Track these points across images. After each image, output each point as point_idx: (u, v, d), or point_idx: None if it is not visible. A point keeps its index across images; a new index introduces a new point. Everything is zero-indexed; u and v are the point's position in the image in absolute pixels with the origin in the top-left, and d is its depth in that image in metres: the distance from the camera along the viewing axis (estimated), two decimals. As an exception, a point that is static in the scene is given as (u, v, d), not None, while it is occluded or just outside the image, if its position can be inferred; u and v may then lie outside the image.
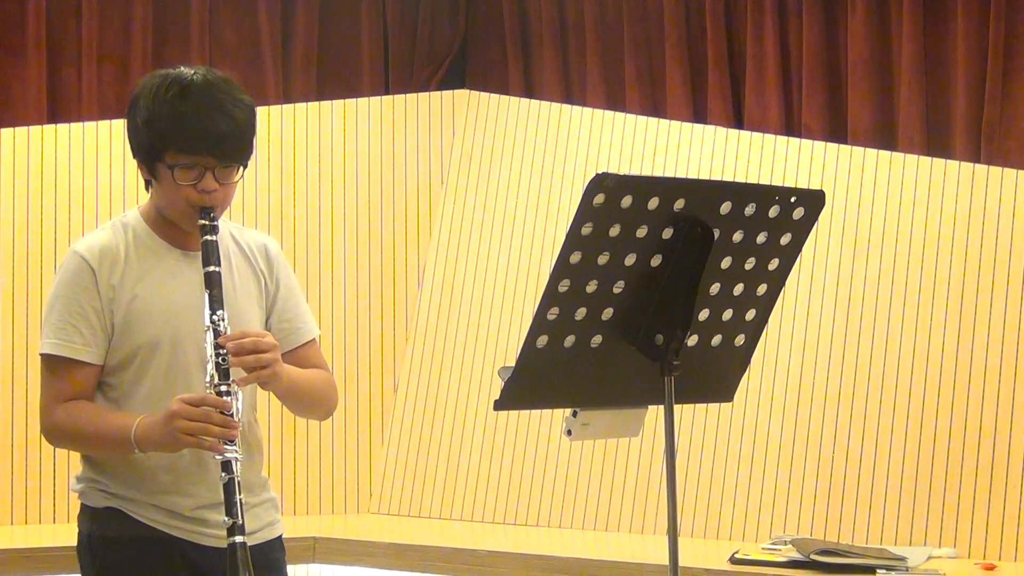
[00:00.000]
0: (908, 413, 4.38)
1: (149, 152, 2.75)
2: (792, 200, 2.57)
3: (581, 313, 2.46)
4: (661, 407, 2.56)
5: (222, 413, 2.64)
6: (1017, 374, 4.24)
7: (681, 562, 2.58)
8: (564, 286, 2.43)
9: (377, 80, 5.83)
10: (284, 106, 5.30)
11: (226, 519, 2.61)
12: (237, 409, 2.67)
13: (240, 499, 2.62)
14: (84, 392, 2.79)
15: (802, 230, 2.61)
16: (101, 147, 5.04)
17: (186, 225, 2.80)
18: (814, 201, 2.61)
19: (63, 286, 2.78)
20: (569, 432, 2.63)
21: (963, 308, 4.35)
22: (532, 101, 5.38)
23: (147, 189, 2.85)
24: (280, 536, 2.96)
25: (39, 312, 4.86)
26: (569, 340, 2.47)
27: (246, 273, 2.90)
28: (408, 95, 5.48)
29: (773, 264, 2.61)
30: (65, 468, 4.86)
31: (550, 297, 2.43)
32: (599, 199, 2.36)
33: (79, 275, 2.77)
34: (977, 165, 4.48)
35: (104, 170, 5.03)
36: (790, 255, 2.62)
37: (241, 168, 2.80)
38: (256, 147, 5.30)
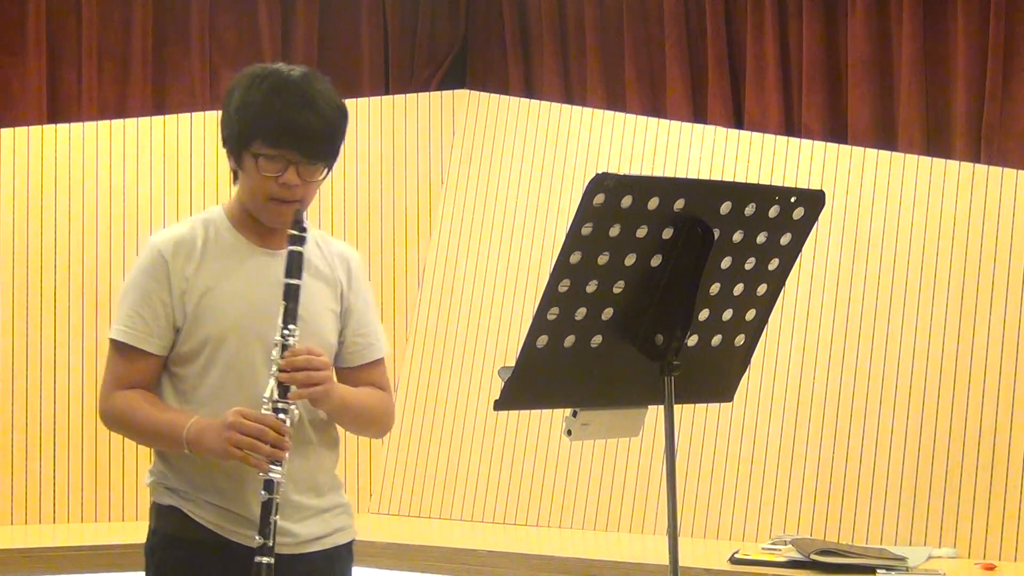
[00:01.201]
0: (908, 413, 4.38)
1: (237, 140, 2.76)
2: (792, 200, 2.57)
3: (581, 313, 2.46)
4: (661, 407, 2.56)
5: (277, 433, 2.64)
6: (1017, 374, 4.24)
7: (681, 562, 2.58)
8: (564, 286, 2.43)
9: (377, 80, 5.83)
10: (284, 106, 5.29)
11: (257, 537, 2.62)
12: (291, 425, 2.68)
13: (275, 520, 2.62)
14: (144, 382, 2.79)
15: (802, 230, 2.60)
16: (101, 147, 5.04)
17: (264, 218, 2.80)
18: (814, 201, 2.60)
19: (137, 275, 2.80)
20: (569, 432, 2.63)
21: (963, 308, 4.35)
22: (532, 101, 5.38)
23: (234, 181, 2.86)
24: (350, 542, 2.94)
25: (39, 311, 4.88)
26: (569, 340, 2.47)
27: (325, 281, 2.88)
28: (408, 95, 5.48)
29: (773, 264, 2.61)
30: (62, 467, 4.87)
31: (550, 297, 2.43)
32: (599, 199, 2.36)
33: (152, 266, 2.78)
34: (977, 165, 4.48)
35: (104, 170, 5.03)
36: (790, 255, 2.62)
37: (326, 168, 2.79)
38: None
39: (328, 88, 2.81)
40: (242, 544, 2.74)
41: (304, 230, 2.74)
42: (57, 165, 4.99)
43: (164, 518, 2.82)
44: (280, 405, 2.66)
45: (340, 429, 2.94)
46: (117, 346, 2.80)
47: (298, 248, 2.72)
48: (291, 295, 2.70)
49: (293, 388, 2.69)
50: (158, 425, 2.75)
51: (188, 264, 2.78)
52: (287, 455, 2.65)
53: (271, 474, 2.63)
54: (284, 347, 2.68)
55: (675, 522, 2.55)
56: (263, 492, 2.63)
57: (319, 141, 2.74)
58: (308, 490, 2.78)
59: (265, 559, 2.60)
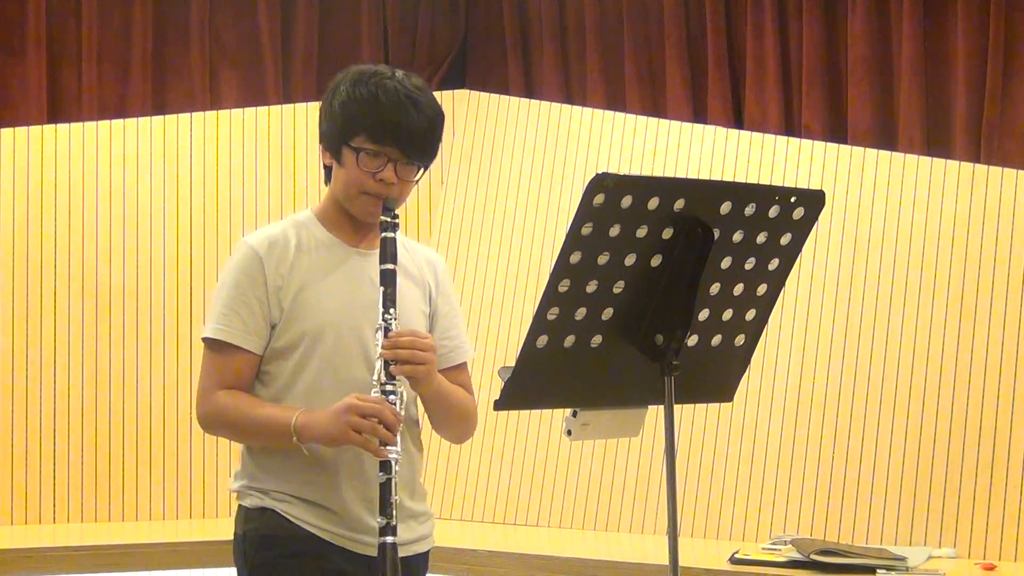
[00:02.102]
0: (908, 413, 4.38)
1: (339, 133, 2.78)
2: (792, 200, 2.57)
3: (581, 313, 2.46)
4: (661, 407, 2.56)
5: (392, 415, 2.64)
6: (1017, 374, 4.24)
7: (681, 562, 2.57)
8: (564, 286, 2.42)
9: (377, 80, 5.82)
10: (284, 106, 5.30)
11: (380, 519, 2.61)
12: (402, 409, 2.68)
13: (395, 500, 2.62)
14: (242, 381, 2.77)
15: (802, 230, 2.60)
16: (101, 147, 5.04)
17: (356, 211, 2.81)
18: (814, 201, 2.60)
19: (230, 274, 2.79)
20: (569, 432, 2.63)
21: (963, 308, 4.35)
22: (532, 101, 5.38)
23: (326, 180, 2.86)
24: (428, 551, 2.94)
25: (39, 311, 4.88)
26: (569, 340, 2.47)
27: (415, 283, 2.89)
28: (408, 95, 5.47)
29: (773, 264, 2.61)
30: (62, 467, 4.86)
31: (550, 297, 2.42)
32: (599, 199, 2.36)
33: (246, 264, 2.78)
34: (977, 165, 4.48)
35: (104, 170, 5.03)
36: (790, 255, 2.62)
37: (421, 169, 2.81)
38: (256, 147, 5.35)
39: (428, 90, 2.84)
40: (335, 544, 2.75)
41: (396, 216, 2.76)
42: (57, 165, 4.99)
43: (254, 520, 2.79)
44: (388, 387, 2.66)
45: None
46: (213, 345, 2.78)
47: (390, 234, 2.74)
48: (388, 280, 2.71)
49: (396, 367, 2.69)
50: (264, 417, 2.73)
51: (283, 261, 2.78)
52: (399, 436, 2.65)
53: (389, 456, 2.62)
54: (387, 330, 2.68)
55: (675, 522, 2.55)
56: (381, 473, 2.62)
57: (421, 141, 2.77)
58: (402, 488, 2.75)
59: (389, 539, 2.59)
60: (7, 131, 5.00)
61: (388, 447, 2.63)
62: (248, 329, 2.76)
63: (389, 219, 2.75)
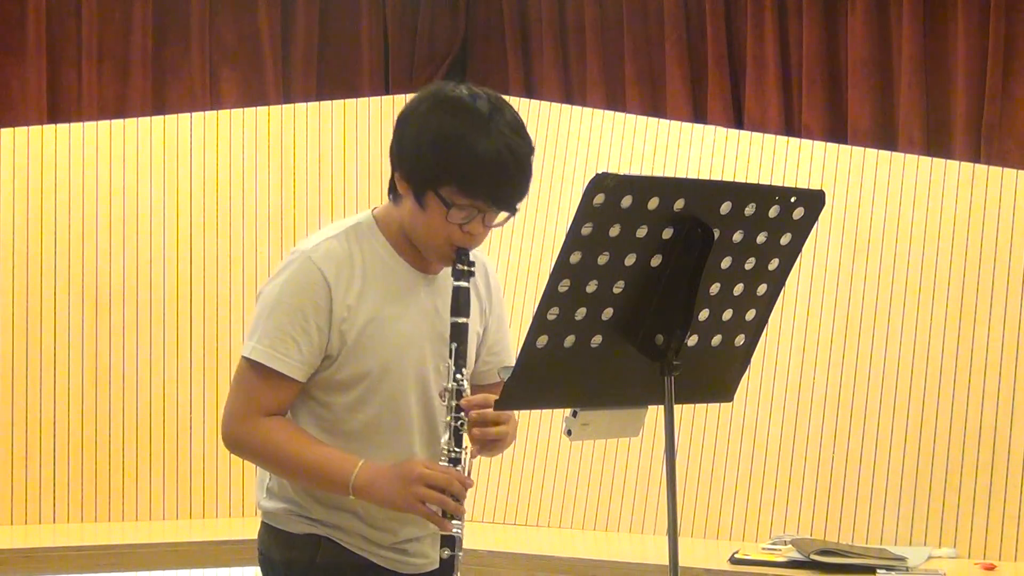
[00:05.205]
0: (908, 413, 4.38)
1: (427, 178, 2.57)
2: (792, 200, 2.56)
3: (581, 313, 2.45)
4: (661, 407, 2.56)
5: (462, 486, 2.53)
6: (1017, 374, 4.24)
7: (681, 562, 2.57)
8: (564, 286, 2.42)
9: (377, 80, 5.83)
10: (284, 106, 5.30)
11: None
12: (469, 475, 2.59)
13: None
14: (283, 409, 2.61)
15: (802, 230, 2.60)
16: (101, 147, 5.04)
17: (434, 257, 2.64)
18: (814, 201, 2.60)
19: (291, 293, 2.58)
20: (569, 432, 2.63)
21: (963, 308, 4.35)
22: (532, 101, 5.37)
23: (390, 192, 2.69)
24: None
25: (39, 311, 4.87)
26: (569, 340, 2.47)
27: (474, 302, 2.72)
28: (408, 95, 5.46)
29: (773, 264, 2.60)
30: (62, 467, 4.86)
31: (550, 297, 2.42)
32: (599, 199, 2.36)
33: (313, 287, 2.57)
34: (977, 165, 4.48)
35: (104, 170, 5.03)
36: (790, 255, 2.62)
37: (509, 215, 2.61)
38: (256, 147, 5.34)
39: (523, 126, 2.60)
40: (385, 567, 2.68)
41: (472, 264, 2.58)
42: (57, 165, 4.99)
43: (303, 548, 2.66)
44: (454, 455, 2.55)
45: None
46: (260, 369, 2.57)
47: (464, 284, 2.58)
48: (460, 336, 2.57)
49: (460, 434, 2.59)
50: (317, 463, 2.58)
51: (350, 289, 2.59)
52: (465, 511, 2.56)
53: (454, 531, 2.51)
54: (459, 394, 2.56)
55: (675, 522, 2.55)
56: (444, 549, 2.52)
57: (518, 194, 2.58)
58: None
59: None
60: (7, 131, 5.00)
61: (454, 520, 2.52)
62: (303, 359, 2.57)
63: (466, 267, 2.57)
